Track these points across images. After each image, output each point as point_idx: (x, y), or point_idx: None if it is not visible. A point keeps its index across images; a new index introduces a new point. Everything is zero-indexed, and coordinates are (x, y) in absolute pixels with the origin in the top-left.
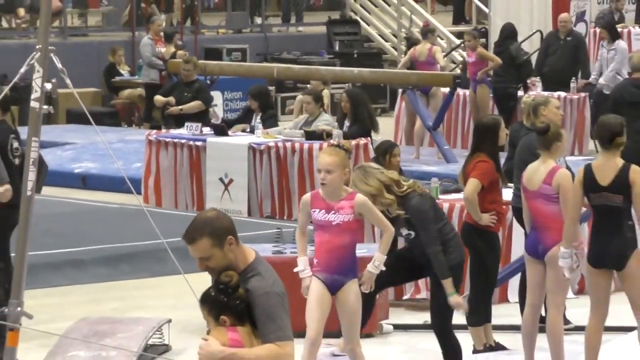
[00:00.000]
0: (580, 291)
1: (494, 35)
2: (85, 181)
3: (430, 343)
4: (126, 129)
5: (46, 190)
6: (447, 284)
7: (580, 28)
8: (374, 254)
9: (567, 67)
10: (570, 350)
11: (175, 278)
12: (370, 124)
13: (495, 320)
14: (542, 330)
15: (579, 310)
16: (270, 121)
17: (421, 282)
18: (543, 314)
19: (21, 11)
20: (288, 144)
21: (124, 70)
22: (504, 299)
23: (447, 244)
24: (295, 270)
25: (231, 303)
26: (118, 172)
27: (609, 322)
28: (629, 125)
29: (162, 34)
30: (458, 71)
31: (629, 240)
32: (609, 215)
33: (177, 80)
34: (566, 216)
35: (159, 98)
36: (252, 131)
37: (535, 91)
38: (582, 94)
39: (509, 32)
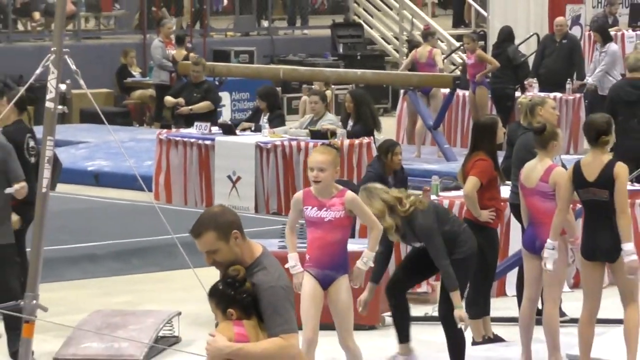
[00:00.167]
0: (575, 285)
1: (493, 38)
2: (98, 178)
3: (430, 335)
4: (137, 128)
5: (60, 187)
6: (455, 296)
7: (575, 31)
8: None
9: (562, 69)
10: (566, 342)
11: (184, 272)
12: (373, 124)
13: (493, 313)
14: (538, 322)
15: (574, 303)
16: (277, 121)
17: None
18: (540, 307)
19: (36, 15)
20: (294, 143)
21: (136, 71)
22: (502, 293)
23: (459, 239)
24: (286, 266)
25: (238, 296)
26: (130, 170)
27: (603, 315)
28: (625, 124)
29: (173, 37)
30: (458, 73)
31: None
32: (598, 210)
33: (186, 81)
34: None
35: (169, 99)
36: (258, 130)
37: (532, 92)
38: (578, 95)
39: (506, 35)
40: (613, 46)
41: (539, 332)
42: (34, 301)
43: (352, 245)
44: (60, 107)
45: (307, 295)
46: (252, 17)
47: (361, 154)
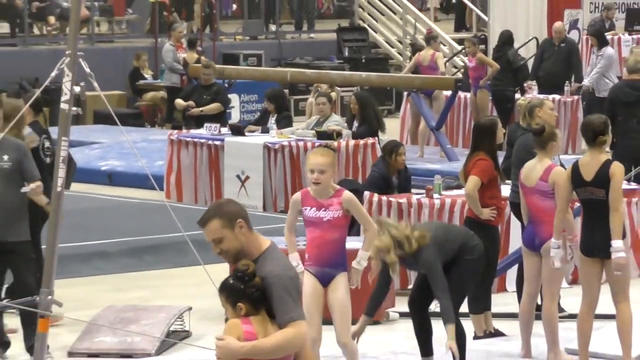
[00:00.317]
0: (574, 281)
1: (493, 42)
2: (111, 178)
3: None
4: (149, 129)
5: (75, 186)
6: (450, 329)
7: (573, 35)
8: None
9: (561, 72)
10: (565, 336)
11: (195, 269)
12: (377, 125)
13: (494, 309)
14: (538, 317)
15: (572, 299)
16: (284, 122)
17: None
18: (539, 303)
19: (52, 19)
20: (300, 143)
21: (148, 74)
22: (503, 289)
23: (468, 245)
24: None
25: (248, 290)
26: (142, 170)
27: (602, 310)
28: (625, 124)
29: (183, 40)
30: (460, 75)
31: None
32: (595, 208)
33: (196, 83)
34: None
35: (179, 102)
36: (266, 131)
37: (531, 94)
38: (575, 97)
39: (506, 39)
40: (609, 50)
41: (538, 327)
42: (49, 297)
43: (357, 244)
44: (74, 108)
45: (308, 295)
46: (260, 22)
47: (366, 154)
